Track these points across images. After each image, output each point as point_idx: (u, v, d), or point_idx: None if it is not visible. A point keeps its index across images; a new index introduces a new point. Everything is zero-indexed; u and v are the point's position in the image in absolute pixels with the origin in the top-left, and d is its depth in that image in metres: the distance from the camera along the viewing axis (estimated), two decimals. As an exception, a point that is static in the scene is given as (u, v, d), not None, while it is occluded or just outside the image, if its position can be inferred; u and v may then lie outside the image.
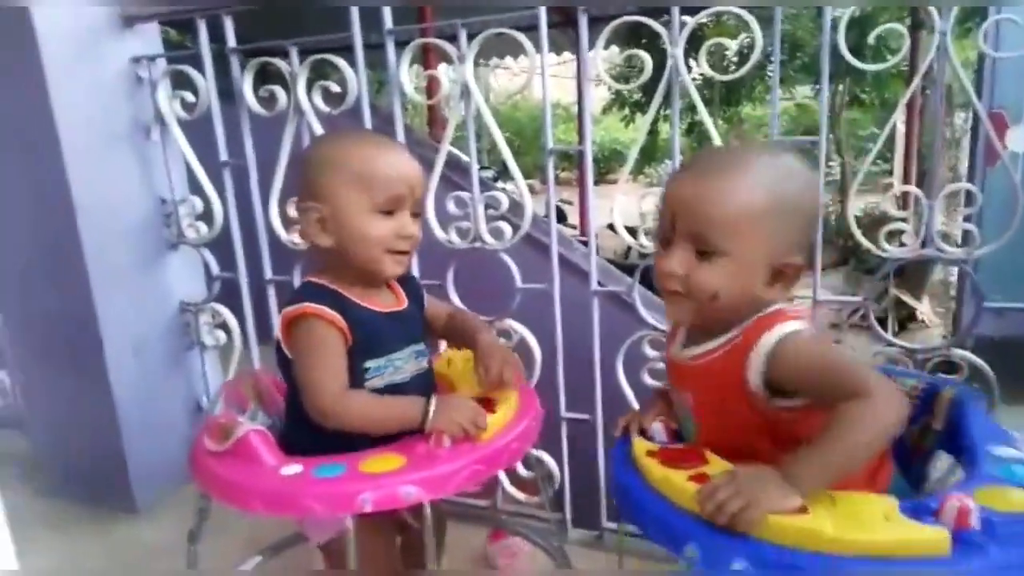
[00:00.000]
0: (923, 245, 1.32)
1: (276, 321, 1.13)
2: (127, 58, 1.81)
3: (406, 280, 1.24)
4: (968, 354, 1.36)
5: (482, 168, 5.28)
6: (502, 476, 1.80)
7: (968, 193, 1.36)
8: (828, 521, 0.76)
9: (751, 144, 0.99)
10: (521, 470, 1.78)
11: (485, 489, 1.82)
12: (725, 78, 1.49)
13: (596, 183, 1.64)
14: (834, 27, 1.32)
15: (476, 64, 1.54)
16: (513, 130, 12.57)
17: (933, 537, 0.73)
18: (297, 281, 1.73)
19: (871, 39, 1.40)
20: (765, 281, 0.92)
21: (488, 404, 1.13)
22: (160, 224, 1.91)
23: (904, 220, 1.35)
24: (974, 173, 4.38)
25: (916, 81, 1.50)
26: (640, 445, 0.98)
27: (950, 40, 1.26)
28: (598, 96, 12.04)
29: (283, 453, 1.06)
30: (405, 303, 1.21)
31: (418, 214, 1.16)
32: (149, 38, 1.85)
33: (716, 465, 0.90)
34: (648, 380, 1.59)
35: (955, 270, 4.80)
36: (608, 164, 13.48)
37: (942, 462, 1.07)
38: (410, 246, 1.14)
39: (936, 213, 1.31)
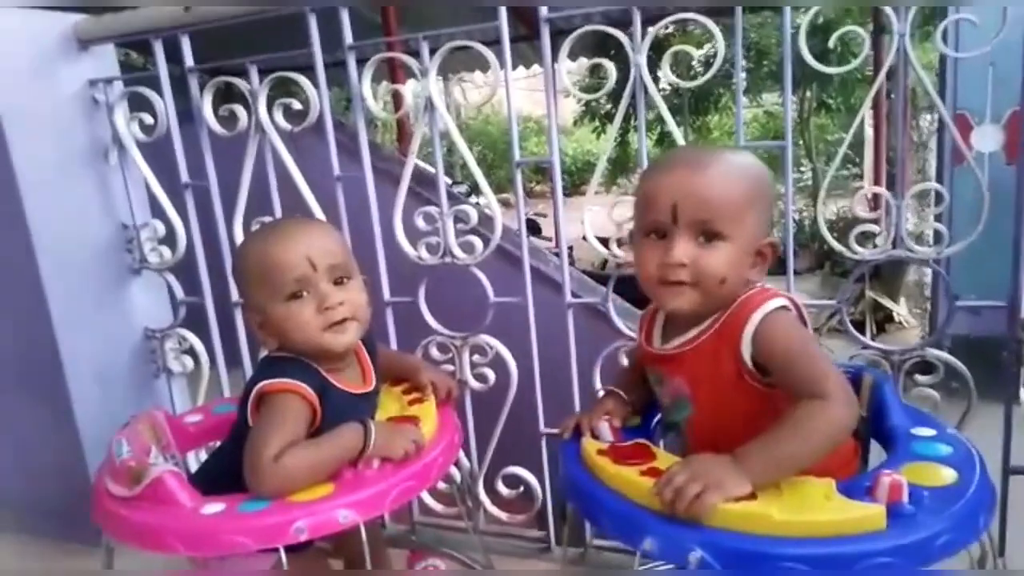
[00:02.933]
0: (893, 246, 1.32)
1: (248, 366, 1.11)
2: (83, 80, 1.76)
3: (373, 351, 1.24)
4: (943, 354, 1.35)
5: (455, 183, 5.29)
6: (483, 496, 1.77)
7: (936, 193, 1.36)
8: (775, 505, 0.81)
9: (713, 146, 1.07)
10: (502, 488, 1.75)
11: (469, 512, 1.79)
12: (689, 84, 1.49)
13: (569, 195, 1.64)
14: (796, 33, 1.32)
15: (445, 79, 1.52)
16: (485, 144, 12.60)
17: (870, 513, 0.79)
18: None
19: (832, 43, 1.40)
20: (751, 263, 0.99)
21: (411, 422, 1.15)
22: (122, 249, 1.86)
23: (875, 222, 1.35)
24: (942, 174, 4.44)
25: (878, 82, 1.50)
26: (591, 445, 1.01)
27: (909, 43, 1.27)
28: (570, 108, 12.12)
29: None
30: (372, 383, 1.21)
31: (344, 279, 1.13)
32: (106, 60, 1.81)
33: (664, 460, 0.94)
34: (599, 386, 1.57)
35: (929, 271, 4.85)
36: (581, 176, 13.56)
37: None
38: (347, 314, 1.11)
39: (905, 214, 1.31)
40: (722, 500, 0.81)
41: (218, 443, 1.33)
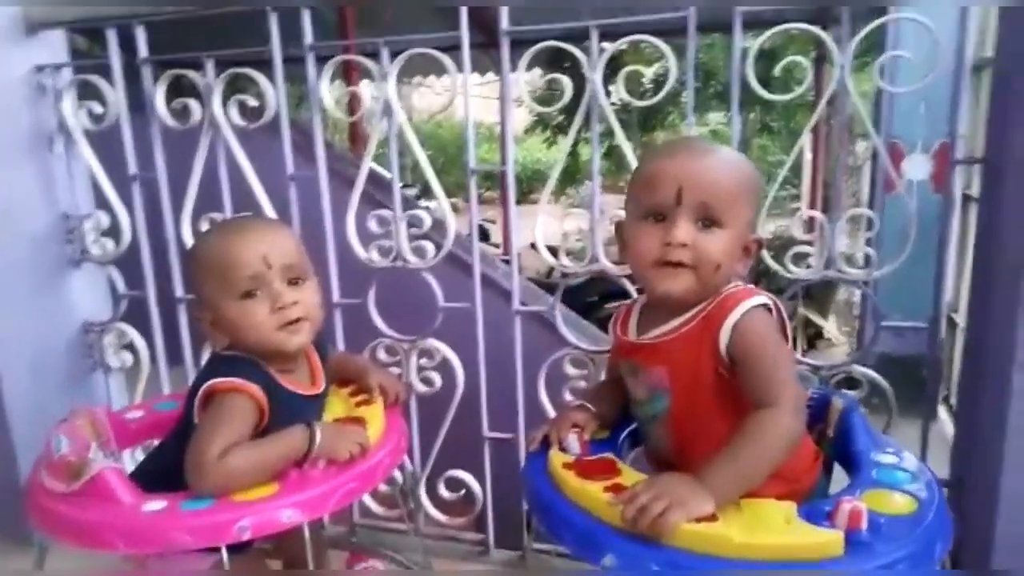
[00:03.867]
0: (826, 266, 1.39)
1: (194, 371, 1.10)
2: (30, 65, 1.71)
3: (324, 354, 1.24)
4: (868, 371, 1.43)
5: (405, 186, 5.26)
6: (424, 499, 1.78)
7: (868, 219, 1.43)
8: (735, 527, 0.81)
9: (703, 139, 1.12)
10: (443, 492, 1.76)
11: (409, 514, 1.80)
12: (641, 103, 1.54)
13: (518, 203, 1.66)
14: (744, 58, 1.38)
15: (399, 82, 1.54)
16: (436, 148, 12.57)
17: (829, 539, 0.79)
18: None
19: (777, 71, 1.46)
20: (739, 256, 1.02)
21: (357, 424, 1.15)
22: (62, 240, 1.81)
23: (810, 243, 1.42)
24: (874, 199, 4.64)
25: (819, 109, 1.58)
26: (557, 457, 1.00)
27: (848, 74, 1.34)
28: (521, 117, 12.19)
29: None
30: (322, 385, 1.21)
31: (299, 279, 1.13)
32: (55, 46, 1.76)
33: (629, 476, 0.93)
34: (569, 398, 1.60)
35: (859, 291, 5.04)
36: (530, 184, 13.61)
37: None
38: (300, 314, 1.11)
39: (837, 236, 1.38)
40: (685, 519, 0.81)
41: (156, 442, 1.31)
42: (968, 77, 1.38)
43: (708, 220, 0.98)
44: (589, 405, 1.13)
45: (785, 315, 1.01)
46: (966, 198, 1.96)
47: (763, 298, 0.98)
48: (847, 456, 1.06)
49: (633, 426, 1.16)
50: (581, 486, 0.92)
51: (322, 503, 1.03)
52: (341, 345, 1.73)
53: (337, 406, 1.25)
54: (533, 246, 1.59)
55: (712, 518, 0.82)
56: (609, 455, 1.02)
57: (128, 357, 1.86)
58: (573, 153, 8.93)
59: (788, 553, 0.79)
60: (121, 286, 1.82)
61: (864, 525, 0.81)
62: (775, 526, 0.82)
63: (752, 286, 1.03)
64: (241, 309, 1.08)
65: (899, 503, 0.89)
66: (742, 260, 1.02)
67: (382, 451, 1.14)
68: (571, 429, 1.06)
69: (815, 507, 0.86)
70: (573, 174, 10.17)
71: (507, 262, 1.63)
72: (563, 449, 1.04)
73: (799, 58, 1.47)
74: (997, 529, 1.27)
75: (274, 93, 1.56)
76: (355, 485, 1.07)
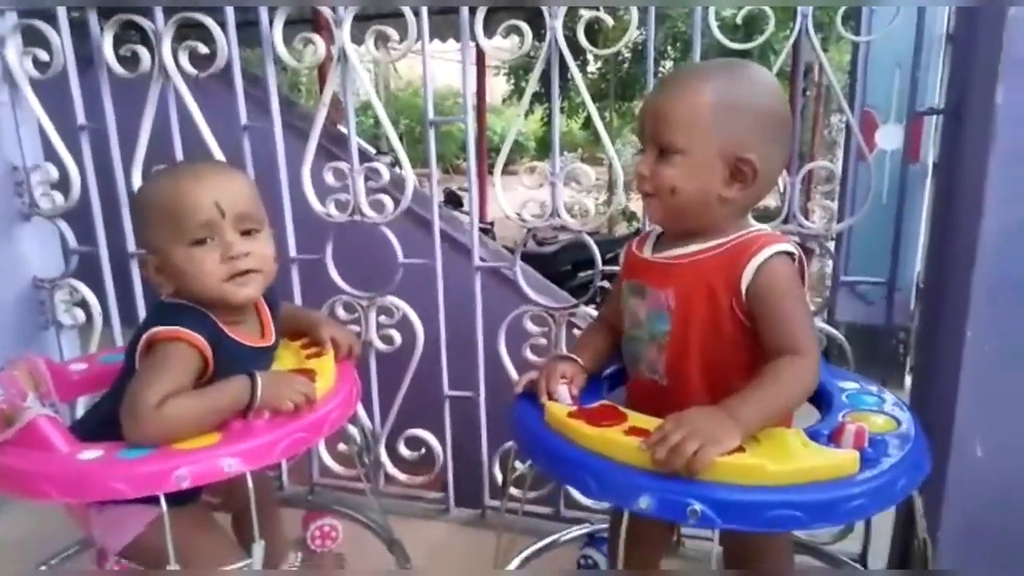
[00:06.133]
0: (785, 221, 1.38)
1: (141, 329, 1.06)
2: (-29, 11, 1.65)
3: (274, 306, 1.21)
4: (827, 326, 1.43)
5: (379, 152, 5.20)
6: (384, 457, 1.77)
7: (835, 176, 1.43)
8: (764, 456, 0.83)
9: (718, 60, 1.09)
10: (403, 451, 1.75)
11: (367, 474, 1.79)
12: (606, 53, 1.51)
13: (492, 173, 1.65)
14: (723, 28, 1.36)
15: (378, 47, 1.50)
16: (413, 118, 12.43)
17: (847, 458, 0.84)
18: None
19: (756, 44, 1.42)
20: (723, 178, 0.99)
21: (307, 376, 1.13)
22: (11, 193, 1.75)
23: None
24: (847, 169, 4.67)
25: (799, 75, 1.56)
26: (558, 409, 0.99)
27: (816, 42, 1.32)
28: (499, 88, 12.08)
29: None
30: (272, 338, 1.18)
31: (252, 230, 1.09)
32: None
33: (638, 419, 0.93)
34: (529, 355, 1.59)
35: (831, 263, 5.10)
36: (508, 155, 13.58)
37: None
38: (251, 265, 1.08)
39: (796, 191, 1.37)
40: (719, 454, 0.82)
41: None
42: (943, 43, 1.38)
43: (663, 149, 0.99)
44: (576, 357, 1.12)
45: (805, 265, 1.01)
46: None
47: (788, 245, 0.98)
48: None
49: (611, 371, 1.17)
50: (600, 433, 0.90)
51: (266, 452, 1.01)
52: (298, 301, 1.70)
53: (287, 359, 1.23)
54: (519, 216, 1.56)
55: (740, 450, 0.84)
56: (606, 402, 1.02)
57: (80, 314, 1.82)
58: (550, 123, 8.87)
59: (814, 475, 0.82)
60: (72, 241, 1.76)
61: (867, 443, 0.86)
62: (798, 452, 0.85)
63: (778, 232, 1.04)
64: (189, 256, 1.05)
65: (882, 423, 0.95)
66: (731, 184, 0.99)
67: (332, 402, 1.12)
68: (560, 381, 1.05)
69: (815, 431, 0.90)
70: (549, 143, 10.13)
71: (484, 230, 1.61)
72: (552, 400, 1.02)
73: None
74: (947, 488, 1.27)
75: (224, 40, 1.51)
76: (302, 435, 1.05)
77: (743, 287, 0.96)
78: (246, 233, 1.08)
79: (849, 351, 1.43)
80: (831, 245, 1.54)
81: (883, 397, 1.04)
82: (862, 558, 1.54)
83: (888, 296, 1.43)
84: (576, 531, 1.59)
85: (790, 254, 0.97)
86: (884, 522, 1.52)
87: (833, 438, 0.88)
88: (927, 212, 2.49)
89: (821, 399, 1.05)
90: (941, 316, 1.36)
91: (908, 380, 2.52)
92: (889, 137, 3.89)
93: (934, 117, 1.56)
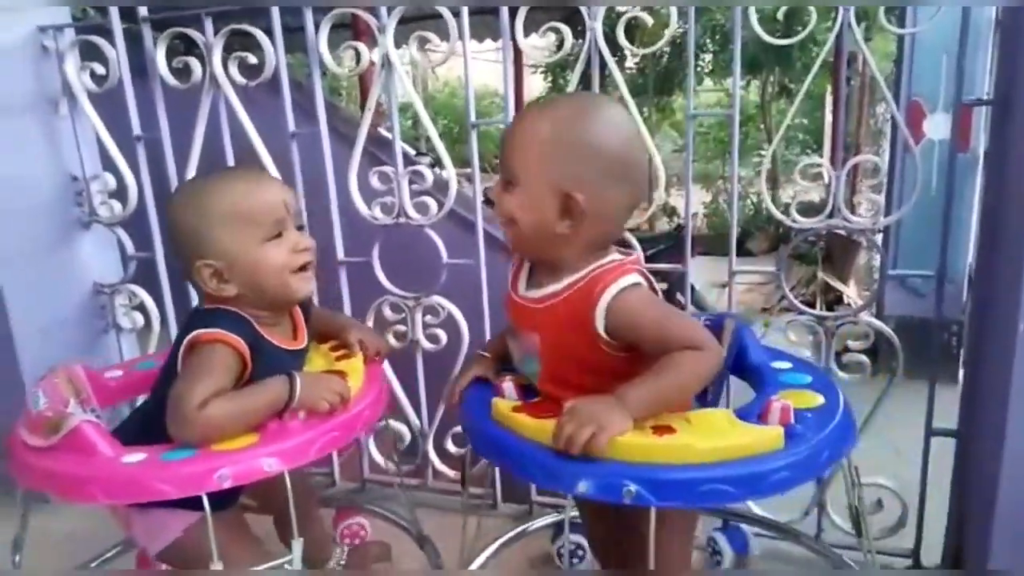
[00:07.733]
0: (830, 216, 1.37)
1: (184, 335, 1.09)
2: (33, 27, 1.72)
3: (308, 311, 1.25)
4: (874, 320, 1.41)
5: (419, 154, 5.26)
6: (432, 454, 1.80)
7: (880, 170, 1.41)
8: (694, 436, 0.88)
9: (582, 93, 1.10)
10: (451, 447, 1.78)
11: (416, 470, 1.82)
12: (643, 51, 1.51)
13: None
14: (763, 21, 1.35)
15: (419, 49, 1.54)
16: (451, 118, 12.49)
17: (772, 434, 0.89)
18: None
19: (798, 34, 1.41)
20: (556, 213, 0.97)
21: (339, 376, 1.15)
22: (71, 202, 1.83)
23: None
24: (895, 160, 4.57)
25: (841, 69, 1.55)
26: (503, 404, 1.02)
27: (859, 34, 1.30)
28: (537, 86, 12.08)
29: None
30: (304, 341, 1.21)
31: (301, 226, 1.18)
32: (57, 7, 1.77)
33: None
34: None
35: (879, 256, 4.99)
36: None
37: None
38: (310, 258, 1.15)
39: (842, 184, 1.35)
40: (609, 438, 0.86)
41: (141, 400, 1.32)
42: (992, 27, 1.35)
43: (506, 179, 1.01)
44: (486, 353, 1.16)
45: (654, 282, 1.02)
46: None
47: (631, 277, 0.97)
48: (747, 369, 1.14)
49: None
50: (540, 424, 0.94)
51: (302, 452, 1.03)
52: (347, 304, 1.74)
53: (317, 361, 1.25)
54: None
55: (669, 430, 0.89)
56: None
57: (139, 318, 1.89)
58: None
59: (741, 452, 0.87)
60: (130, 247, 1.83)
61: (792, 419, 0.91)
62: (725, 430, 0.90)
63: (623, 261, 1.01)
64: (264, 253, 1.09)
65: (810, 399, 0.99)
66: (562, 219, 0.97)
67: (363, 402, 1.14)
68: (507, 379, 1.09)
69: (745, 410, 0.95)
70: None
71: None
72: (499, 395, 1.06)
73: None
74: (1001, 485, 1.25)
75: (272, 49, 1.55)
76: (336, 435, 1.08)
77: (600, 329, 0.96)
78: (299, 229, 1.16)
79: (899, 346, 1.41)
80: (878, 238, 1.52)
81: (814, 376, 1.08)
82: (914, 555, 1.52)
83: (938, 289, 1.40)
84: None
85: (634, 284, 0.97)
86: (936, 521, 1.51)
87: (761, 416, 0.92)
88: (978, 202, 2.44)
89: (756, 379, 1.10)
90: (993, 308, 1.34)
91: (961, 374, 2.48)
92: (937, 126, 3.80)
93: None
